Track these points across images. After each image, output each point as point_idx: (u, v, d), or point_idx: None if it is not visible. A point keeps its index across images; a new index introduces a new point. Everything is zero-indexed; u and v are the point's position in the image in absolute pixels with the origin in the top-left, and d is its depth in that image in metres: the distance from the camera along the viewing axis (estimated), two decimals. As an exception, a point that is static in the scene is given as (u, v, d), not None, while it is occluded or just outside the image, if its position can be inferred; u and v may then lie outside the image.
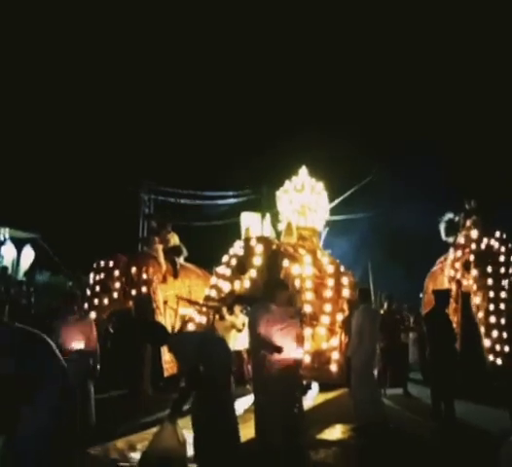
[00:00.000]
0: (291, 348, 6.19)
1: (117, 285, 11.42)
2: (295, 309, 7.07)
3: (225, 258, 10.95)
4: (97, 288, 11.43)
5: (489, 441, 2.84)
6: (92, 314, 10.89)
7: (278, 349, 6.07)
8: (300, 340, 6.41)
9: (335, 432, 7.72)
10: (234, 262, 10.76)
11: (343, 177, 15.48)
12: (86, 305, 11.13)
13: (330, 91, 18.11)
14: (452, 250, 10.90)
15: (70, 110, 16.11)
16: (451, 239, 11.23)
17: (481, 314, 10.11)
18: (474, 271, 10.36)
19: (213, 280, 10.75)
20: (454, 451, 6.62)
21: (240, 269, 10.60)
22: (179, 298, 11.25)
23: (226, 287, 10.62)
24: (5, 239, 14.47)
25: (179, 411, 5.88)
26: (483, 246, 10.53)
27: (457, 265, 10.64)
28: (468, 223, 10.98)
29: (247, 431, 6.72)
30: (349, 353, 8.17)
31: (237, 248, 10.94)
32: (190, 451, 5.87)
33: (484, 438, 6.72)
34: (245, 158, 17.63)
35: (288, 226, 11.38)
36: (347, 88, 17.59)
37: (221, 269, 10.81)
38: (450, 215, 11.32)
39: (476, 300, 10.22)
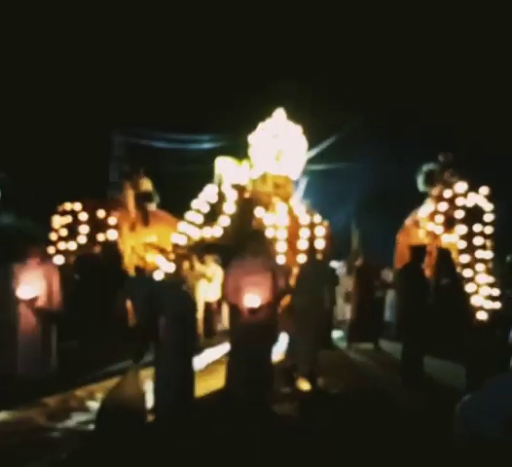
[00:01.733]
0: (252, 299, 6.11)
1: (84, 230, 11.05)
2: (271, 262, 6.77)
3: (195, 204, 10.49)
4: (64, 232, 11.07)
5: (454, 398, 2.71)
6: (59, 259, 10.59)
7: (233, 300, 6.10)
8: (271, 292, 6.20)
9: (303, 385, 7.60)
10: (205, 208, 10.35)
11: (324, 127, 15.03)
12: (52, 250, 10.80)
13: (317, 37, 17.40)
14: (430, 202, 10.55)
15: (41, 43, 15.30)
16: (428, 190, 10.80)
17: (469, 273, 9.92)
18: (462, 229, 10.07)
19: (182, 227, 10.33)
20: (415, 407, 6.50)
21: (212, 216, 10.22)
22: (147, 245, 10.89)
23: (195, 234, 10.23)
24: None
25: (138, 361, 5.71)
26: (471, 203, 10.19)
27: (439, 218, 10.32)
28: (446, 176, 10.56)
29: (215, 382, 6.57)
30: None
31: (209, 194, 10.50)
32: (150, 402, 5.77)
33: (449, 396, 6.61)
34: (225, 101, 17.00)
35: (262, 173, 10.92)
36: (336, 35, 16.89)
37: (191, 216, 10.38)
38: (429, 166, 10.86)
39: (462, 258, 9.98)
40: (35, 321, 7.46)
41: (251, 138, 11.19)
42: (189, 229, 10.20)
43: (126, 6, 16.68)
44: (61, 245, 10.97)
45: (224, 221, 10.05)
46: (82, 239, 11.03)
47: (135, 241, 11.03)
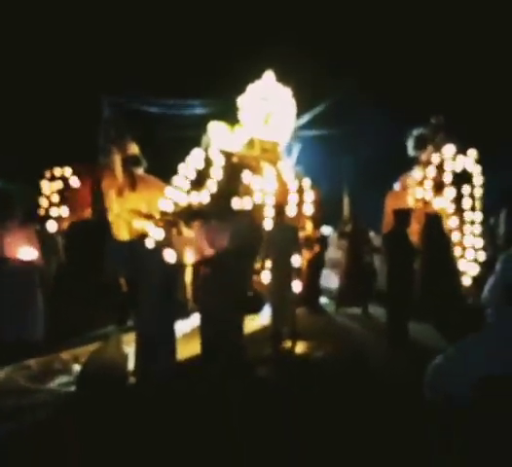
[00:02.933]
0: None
1: (75, 195, 10.93)
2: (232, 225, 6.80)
3: (182, 169, 10.36)
4: (55, 198, 10.95)
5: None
6: (52, 225, 10.49)
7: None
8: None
9: (282, 350, 7.66)
10: (192, 174, 10.23)
11: (314, 93, 14.80)
12: (42, 215, 10.70)
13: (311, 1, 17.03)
14: (419, 168, 10.46)
15: (31, 5, 14.98)
16: (418, 155, 10.70)
17: (457, 236, 9.90)
18: (451, 192, 10.01)
19: (169, 192, 10.22)
20: (397, 371, 6.53)
21: (199, 181, 10.11)
22: (133, 211, 10.80)
23: (182, 200, 10.13)
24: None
25: (121, 325, 5.74)
26: (459, 166, 10.11)
27: (428, 184, 10.23)
28: (438, 139, 10.45)
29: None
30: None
31: (196, 159, 10.37)
32: (131, 366, 5.80)
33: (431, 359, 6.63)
34: (217, 64, 16.71)
35: (250, 137, 10.78)
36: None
37: (178, 181, 10.27)
38: (419, 130, 10.72)
39: (451, 222, 9.96)
40: (24, 284, 7.46)
41: (240, 101, 11.01)
42: (176, 194, 10.10)
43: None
44: (53, 211, 10.83)
45: (211, 186, 9.95)
46: (72, 205, 10.89)
47: (123, 207, 10.93)
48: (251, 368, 6.48)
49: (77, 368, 6.25)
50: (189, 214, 10.14)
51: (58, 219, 10.73)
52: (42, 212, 10.68)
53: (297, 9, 16.58)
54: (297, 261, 8.27)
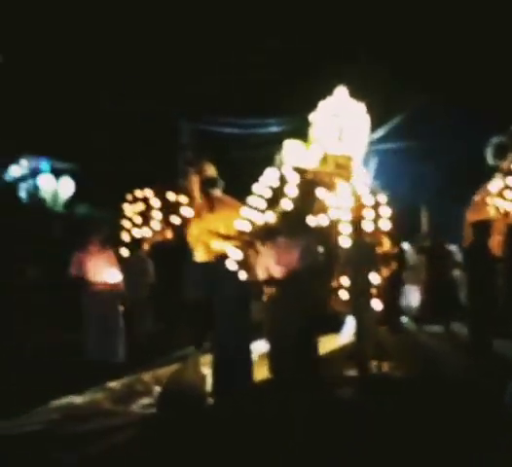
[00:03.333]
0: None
1: (157, 216, 11.13)
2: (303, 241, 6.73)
3: (256, 188, 10.44)
4: (137, 219, 11.21)
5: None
6: (136, 247, 10.75)
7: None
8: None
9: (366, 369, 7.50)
10: (266, 192, 10.28)
11: (391, 105, 14.63)
12: (127, 237, 10.98)
13: (383, 11, 16.86)
14: (500, 176, 10.07)
15: (108, 34, 15.59)
16: (498, 164, 10.30)
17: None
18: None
19: (245, 212, 10.30)
20: (481, 388, 6.30)
21: (274, 200, 10.14)
22: (211, 232, 10.92)
23: (258, 219, 10.18)
24: (43, 170, 14.35)
25: (199, 347, 5.85)
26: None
27: (509, 194, 9.82)
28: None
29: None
30: None
31: (269, 178, 10.41)
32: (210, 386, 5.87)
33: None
34: (292, 82, 16.81)
35: (323, 153, 10.73)
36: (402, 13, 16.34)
37: (253, 200, 10.33)
38: (499, 138, 10.32)
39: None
40: (107, 306, 7.72)
41: (312, 117, 11.01)
42: (252, 214, 10.17)
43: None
44: (136, 233, 11.07)
45: (286, 204, 9.95)
46: (156, 225, 11.09)
47: (201, 228, 11.09)
48: (329, 388, 6.43)
49: (158, 389, 6.38)
50: (265, 233, 10.21)
51: (142, 240, 11.03)
52: (125, 235, 11.01)
53: (371, 24, 16.49)
54: (375, 279, 8.11)
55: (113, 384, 6.76)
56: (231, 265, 9.58)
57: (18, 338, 9.38)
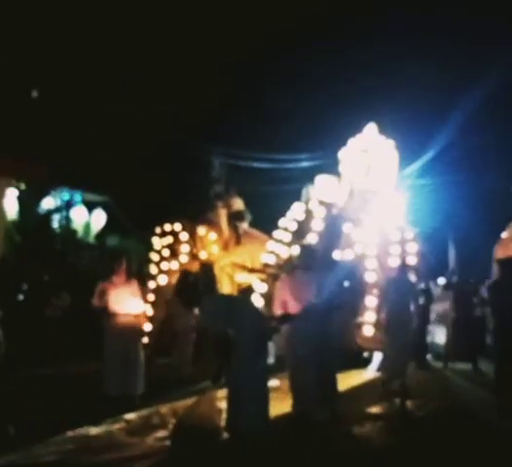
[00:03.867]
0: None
1: (185, 249, 11.22)
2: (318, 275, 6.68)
3: (283, 222, 10.49)
4: (165, 252, 11.31)
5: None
6: (163, 279, 10.85)
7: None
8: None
9: (389, 405, 7.39)
10: (292, 226, 10.32)
11: (421, 142, 14.62)
12: (155, 270, 11.06)
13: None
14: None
15: (142, 65, 15.96)
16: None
17: None
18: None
19: (271, 246, 10.33)
20: (507, 428, 6.13)
21: (300, 234, 10.16)
22: (236, 265, 10.97)
23: (284, 253, 10.19)
24: (76, 202, 14.64)
25: (216, 382, 5.81)
26: None
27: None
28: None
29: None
30: None
31: (296, 211, 10.47)
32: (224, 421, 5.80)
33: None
34: (322, 118, 16.96)
35: (351, 188, 10.77)
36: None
37: (279, 234, 10.37)
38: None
39: None
40: (128, 338, 7.72)
41: (341, 154, 11.10)
42: (277, 247, 10.20)
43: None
44: (164, 265, 11.15)
45: (312, 238, 9.96)
46: (183, 258, 11.16)
47: (227, 260, 11.14)
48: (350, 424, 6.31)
49: (173, 422, 6.33)
50: (291, 267, 10.20)
51: (169, 272, 11.08)
52: (153, 268, 11.09)
53: (401, 63, 16.58)
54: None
55: (130, 416, 6.74)
56: (254, 298, 9.60)
57: (43, 367, 9.44)
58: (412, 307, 8.12)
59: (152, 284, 10.76)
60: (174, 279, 11.16)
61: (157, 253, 11.31)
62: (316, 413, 6.24)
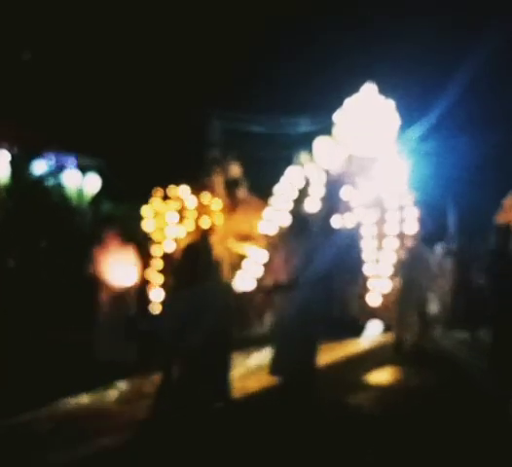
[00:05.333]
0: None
1: (191, 215, 10.90)
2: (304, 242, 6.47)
3: (278, 188, 10.21)
4: (172, 218, 10.97)
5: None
6: (170, 245, 10.67)
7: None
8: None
9: (383, 375, 7.28)
10: (290, 192, 10.06)
11: (422, 104, 14.21)
12: (160, 236, 10.74)
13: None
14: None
15: (134, 30, 15.53)
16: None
17: None
18: None
19: (268, 213, 10.07)
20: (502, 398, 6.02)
21: (298, 200, 9.93)
22: (232, 232, 10.74)
23: (282, 220, 9.95)
24: (68, 166, 14.29)
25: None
26: None
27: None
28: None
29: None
30: None
31: (292, 177, 10.21)
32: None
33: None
34: (323, 79, 16.51)
35: (348, 153, 10.45)
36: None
37: (276, 201, 10.12)
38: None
39: None
40: (121, 305, 7.59)
41: (336, 116, 10.67)
42: (275, 215, 9.95)
43: None
44: (171, 231, 10.82)
45: (309, 204, 9.73)
46: (190, 225, 10.85)
47: (224, 229, 10.90)
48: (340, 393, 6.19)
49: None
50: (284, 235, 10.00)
51: (176, 240, 10.73)
52: (156, 233, 10.77)
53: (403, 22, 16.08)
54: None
55: (120, 384, 6.64)
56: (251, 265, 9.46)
57: (34, 335, 9.31)
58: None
59: (157, 251, 10.52)
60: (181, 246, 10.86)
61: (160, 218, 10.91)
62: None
